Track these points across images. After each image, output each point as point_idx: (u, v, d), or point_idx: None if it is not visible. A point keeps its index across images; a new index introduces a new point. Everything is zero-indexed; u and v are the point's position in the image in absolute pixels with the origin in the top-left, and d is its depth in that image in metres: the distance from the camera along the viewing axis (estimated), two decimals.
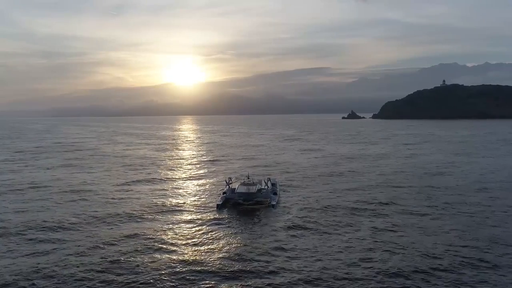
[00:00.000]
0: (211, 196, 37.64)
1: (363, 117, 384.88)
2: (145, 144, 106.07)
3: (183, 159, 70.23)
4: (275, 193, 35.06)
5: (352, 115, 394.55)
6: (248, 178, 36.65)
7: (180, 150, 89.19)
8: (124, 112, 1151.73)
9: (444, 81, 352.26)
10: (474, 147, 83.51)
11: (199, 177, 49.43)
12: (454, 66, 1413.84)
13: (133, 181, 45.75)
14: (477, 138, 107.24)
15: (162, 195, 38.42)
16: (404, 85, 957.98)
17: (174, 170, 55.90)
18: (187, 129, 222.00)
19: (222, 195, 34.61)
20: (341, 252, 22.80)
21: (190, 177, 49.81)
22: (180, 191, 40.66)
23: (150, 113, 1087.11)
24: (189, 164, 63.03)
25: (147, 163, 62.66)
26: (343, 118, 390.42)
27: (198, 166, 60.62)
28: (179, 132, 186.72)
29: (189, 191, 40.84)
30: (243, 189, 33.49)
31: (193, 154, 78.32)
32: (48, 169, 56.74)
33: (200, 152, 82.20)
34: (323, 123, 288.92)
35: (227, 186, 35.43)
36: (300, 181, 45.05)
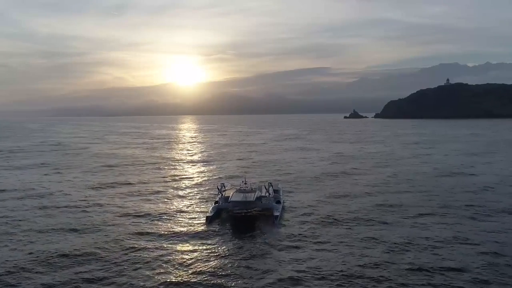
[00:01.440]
0: (200, 205, 31.35)
1: (366, 117, 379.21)
2: (136, 143, 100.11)
3: (173, 159, 63.96)
4: (278, 202, 28.87)
5: (354, 115, 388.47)
6: (245, 183, 30.01)
7: (171, 149, 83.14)
8: (125, 112, 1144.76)
9: (448, 79, 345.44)
10: (485, 146, 77.81)
11: (188, 181, 43.05)
12: (455, 66, 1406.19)
13: (111, 184, 39.70)
14: (485, 138, 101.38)
15: (140, 202, 32.09)
16: (404, 85, 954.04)
17: (160, 171, 49.62)
18: (185, 128, 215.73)
19: (213, 205, 28.65)
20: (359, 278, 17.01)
21: (177, 180, 43.26)
22: (163, 198, 34.09)
23: (150, 113, 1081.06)
24: (179, 165, 56.79)
25: (131, 164, 56.50)
26: (345, 117, 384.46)
27: (188, 167, 54.52)
28: (176, 131, 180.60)
29: (175, 198, 34.32)
30: (238, 197, 27.30)
31: (185, 154, 72.33)
32: (18, 170, 50.44)
33: (193, 152, 76.56)
34: (324, 122, 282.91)
35: (220, 194, 29.14)
36: (305, 185, 39.24)
